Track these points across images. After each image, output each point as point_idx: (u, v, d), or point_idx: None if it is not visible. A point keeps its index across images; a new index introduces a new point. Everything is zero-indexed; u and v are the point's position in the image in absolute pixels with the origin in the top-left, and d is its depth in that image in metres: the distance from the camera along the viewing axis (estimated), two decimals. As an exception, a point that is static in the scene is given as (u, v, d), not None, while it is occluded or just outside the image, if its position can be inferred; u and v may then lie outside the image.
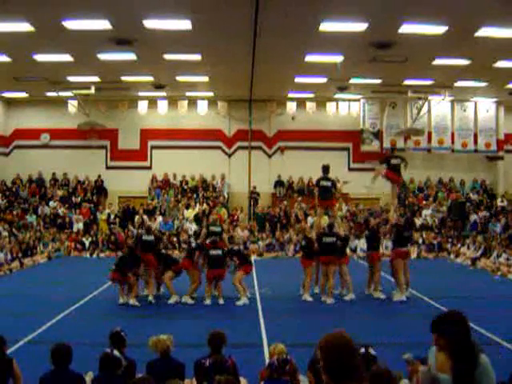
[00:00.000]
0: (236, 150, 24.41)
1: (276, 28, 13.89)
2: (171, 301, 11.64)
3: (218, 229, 12.52)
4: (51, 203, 22.81)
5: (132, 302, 11.30)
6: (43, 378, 4.94)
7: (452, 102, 23.45)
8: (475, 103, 23.77)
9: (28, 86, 21.16)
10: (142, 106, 23.59)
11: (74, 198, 23.41)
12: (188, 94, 22.86)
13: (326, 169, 12.79)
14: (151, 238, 12.09)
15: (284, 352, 5.34)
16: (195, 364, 5.48)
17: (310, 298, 11.91)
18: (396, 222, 12.63)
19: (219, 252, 11.68)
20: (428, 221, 22.26)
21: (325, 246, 11.89)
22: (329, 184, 12.65)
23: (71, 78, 19.60)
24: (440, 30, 13.71)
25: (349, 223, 20.33)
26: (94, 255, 20.23)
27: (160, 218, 21.18)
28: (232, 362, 5.20)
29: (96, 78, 19.68)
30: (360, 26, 13.60)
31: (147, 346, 5.45)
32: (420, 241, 20.87)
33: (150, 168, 24.13)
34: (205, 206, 22.16)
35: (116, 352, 4.99)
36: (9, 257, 16.60)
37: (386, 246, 17.08)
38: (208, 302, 11.49)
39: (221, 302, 11.56)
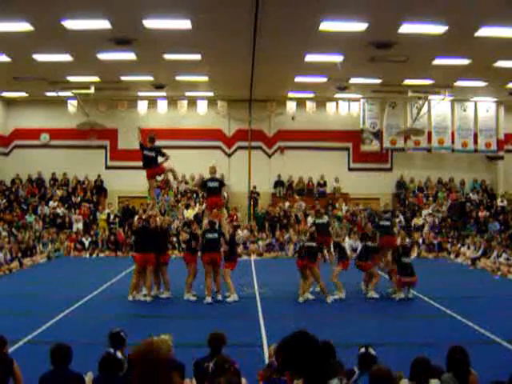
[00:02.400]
0: (236, 150, 24.41)
1: (276, 28, 13.89)
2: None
3: (215, 183, 12.37)
4: (51, 203, 22.80)
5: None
6: (43, 378, 4.92)
7: (452, 101, 23.43)
8: (475, 103, 23.75)
9: (28, 86, 21.15)
10: (142, 105, 23.57)
11: (73, 198, 23.41)
12: (188, 93, 22.86)
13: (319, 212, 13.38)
14: (152, 154, 12.50)
15: (284, 352, 5.32)
16: (195, 364, 5.48)
17: (311, 296, 11.98)
18: (375, 211, 13.05)
19: (215, 235, 11.79)
20: (428, 221, 22.25)
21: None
22: (324, 221, 12.96)
23: (71, 78, 19.60)
24: (440, 29, 13.70)
25: (349, 225, 20.33)
26: (94, 255, 20.23)
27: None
28: (235, 368, 5.17)
29: (96, 78, 19.67)
30: (360, 26, 13.59)
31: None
32: (420, 241, 20.87)
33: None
34: (204, 205, 22.12)
35: (119, 353, 4.97)
36: (8, 257, 16.58)
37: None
38: (209, 300, 11.51)
39: (219, 297, 11.67)
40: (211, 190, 12.30)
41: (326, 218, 12.92)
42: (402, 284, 12.09)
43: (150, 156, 12.38)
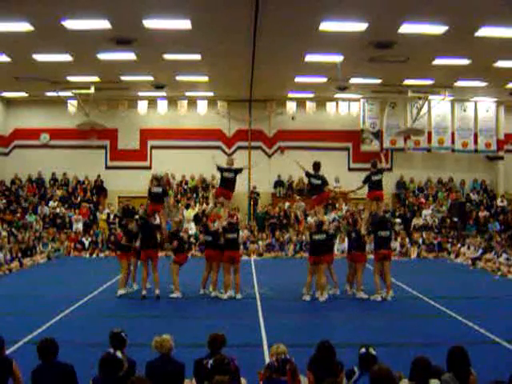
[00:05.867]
0: (236, 150, 24.39)
1: (276, 28, 13.89)
2: (173, 295, 11.94)
3: (231, 174, 12.68)
4: (51, 203, 22.80)
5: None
6: (35, 372, 5.03)
7: (452, 101, 23.43)
8: (475, 103, 23.76)
9: (28, 86, 21.15)
10: (142, 105, 23.57)
11: (73, 198, 23.41)
12: (188, 93, 22.85)
13: (316, 166, 12.57)
14: (160, 190, 12.52)
15: (285, 352, 5.34)
16: (195, 364, 5.48)
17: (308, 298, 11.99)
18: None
19: (235, 235, 12.10)
20: (428, 221, 22.26)
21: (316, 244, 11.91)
22: (319, 182, 12.51)
23: (71, 78, 19.60)
24: (440, 29, 13.69)
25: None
26: (94, 255, 20.23)
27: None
28: (234, 365, 5.17)
29: (96, 78, 19.67)
30: (360, 26, 13.58)
31: (149, 346, 5.44)
32: (420, 241, 20.87)
33: (149, 168, 24.13)
34: (205, 205, 22.14)
35: (119, 353, 4.97)
36: (8, 257, 16.56)
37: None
38: (224, 296, 11.83)
39: (238, 296, 11.90)
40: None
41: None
42: (378, 257, 12.01)
43: (157, 192, 12.60)
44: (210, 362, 5.13)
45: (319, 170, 12.58)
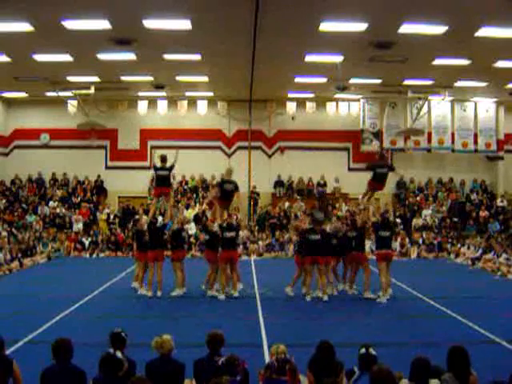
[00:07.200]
0: (236, 150, 24.41)
1: (276, 28, 13.89)
2: (174, 294, 12.09)
3: (231, 186, 12.51)
4: (51, 203, 22.80)
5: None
6: (46, 372, 4.95)
7: (452, 101, 23.43)
8: (475, 103, 23.75)
9: (28, 86, 21.15)
10: (142, 105, 23.59)
11: (73, 198, 23.41)
12: (188, 93, 22.86)
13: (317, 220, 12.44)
14: (166, 172, 12.52)
15: (285, 352, 5.33)
16: (195, 364, 5.48)
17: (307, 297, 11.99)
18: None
19: (233, 234, 12.08)
20: (428, 221, 22.27)
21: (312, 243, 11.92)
22: (317, 237, 12.40)
23: (71, 78, 19.59)
24: (440, 29, 13.70)
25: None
26: (94, 255, 20.23)
27: (160, 218, 21.13)
28: (243, 366, 5.16)
29: (96, 78, 19.66)
30: (360, 26, 13.58)
31: (150, 347, 5.43)
32: (420, 241, 20.88)
33: (149, 168, 24.13)
34: (205, 206, 22.15)
35: (119, 353, 4.97)
36: (8, 257, 16.57)
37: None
38: (222, 297, 11.85)
39: (236, 294, 11.94)
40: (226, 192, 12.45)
41: (319, 233, 12.00)
42: (380, 257, 11.94)
43: (163, 175, 12.61)
44: (222, 359, 5.12)
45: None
